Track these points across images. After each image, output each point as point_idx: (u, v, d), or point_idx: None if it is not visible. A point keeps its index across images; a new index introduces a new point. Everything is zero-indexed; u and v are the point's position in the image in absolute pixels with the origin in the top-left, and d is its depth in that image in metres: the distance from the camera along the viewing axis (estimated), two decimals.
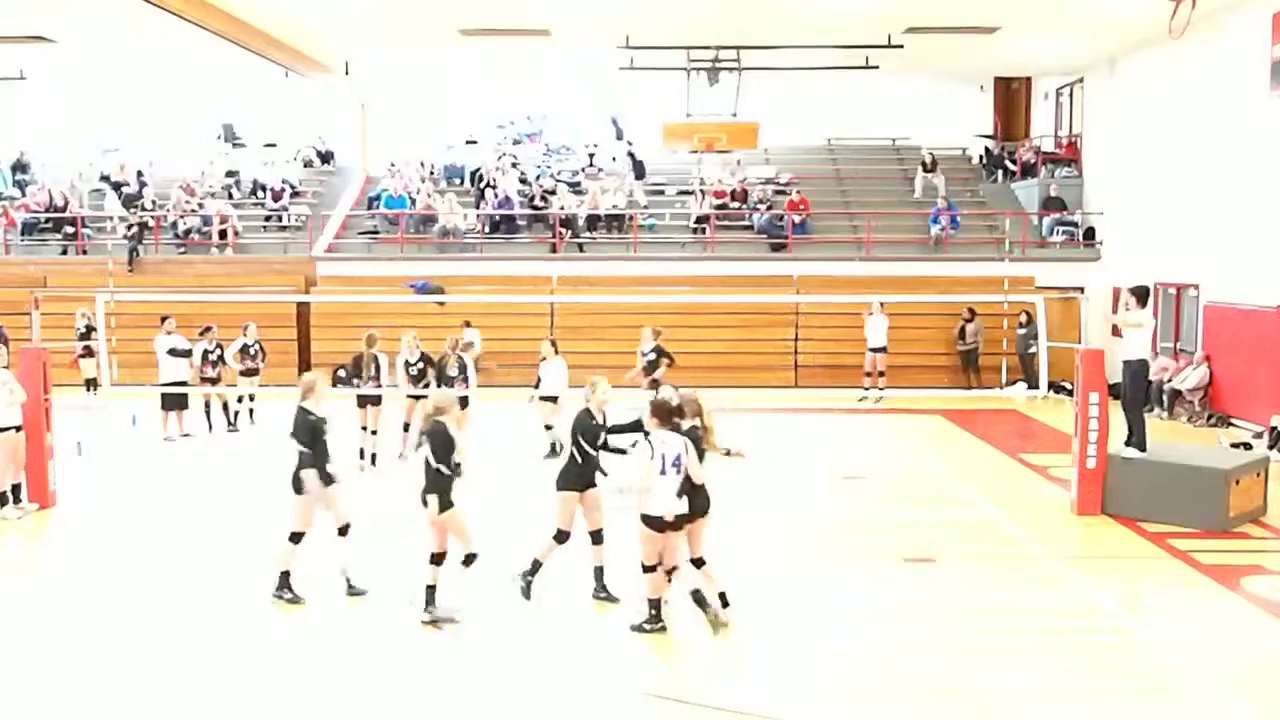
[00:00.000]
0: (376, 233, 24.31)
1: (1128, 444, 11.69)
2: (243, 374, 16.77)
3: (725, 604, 8.16)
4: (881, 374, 19.83)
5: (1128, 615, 8.82)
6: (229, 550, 10.37)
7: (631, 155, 26.20)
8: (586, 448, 8.51)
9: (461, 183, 25.92)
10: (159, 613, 8.63)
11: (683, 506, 7.82)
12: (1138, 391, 11.91)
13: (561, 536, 8.64)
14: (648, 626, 7.99)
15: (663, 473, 7.75)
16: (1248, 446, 14.69)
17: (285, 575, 8.75)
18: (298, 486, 8.61)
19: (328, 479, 8.70)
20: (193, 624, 8.37)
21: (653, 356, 14.96)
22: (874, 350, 19.83)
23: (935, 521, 11.33)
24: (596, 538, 8.72)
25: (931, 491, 13.00)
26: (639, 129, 26.56)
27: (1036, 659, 7.62)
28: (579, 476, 8.60)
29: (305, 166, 27.46)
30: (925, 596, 8.88)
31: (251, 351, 16.79)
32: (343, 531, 8.91)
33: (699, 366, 19.58)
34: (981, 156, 26.86)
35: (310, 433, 8.60)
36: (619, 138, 27.00)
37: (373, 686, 7.20)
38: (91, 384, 18.62)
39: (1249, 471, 11.45)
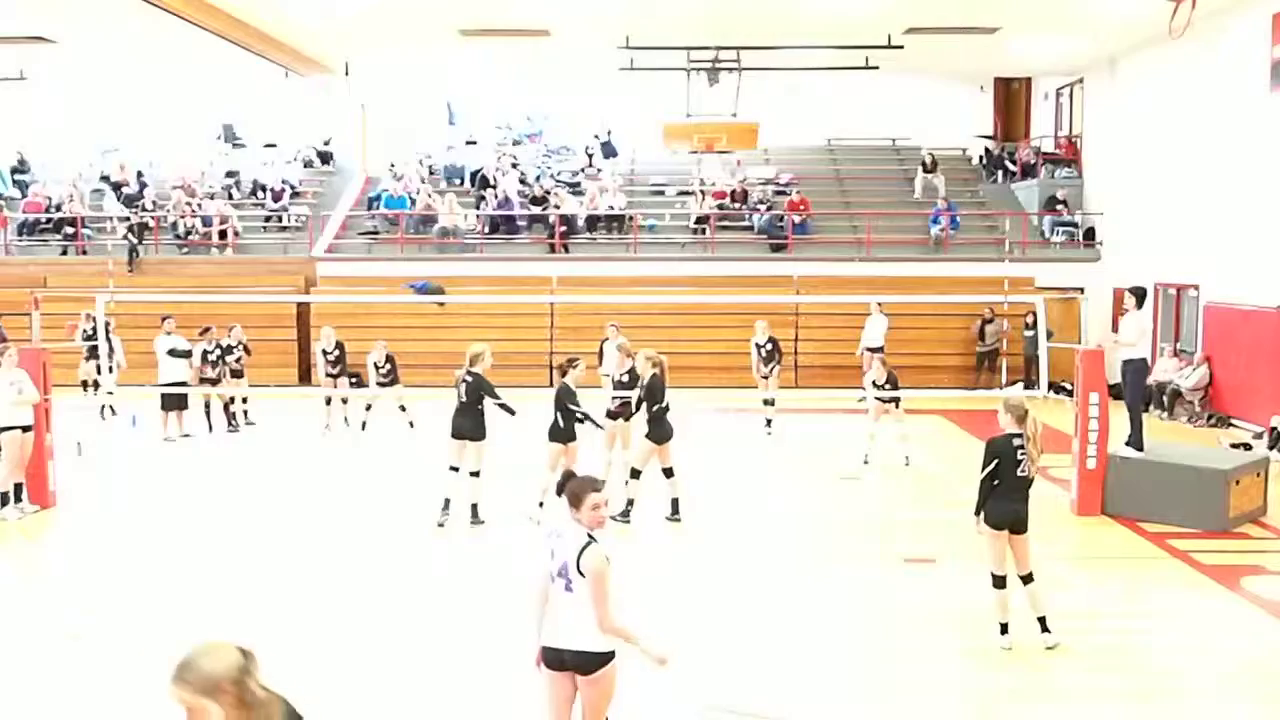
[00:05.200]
0: (376, 233, 24.30)
1: (1127, 444, 11.70)
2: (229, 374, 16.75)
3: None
4: None
5: (1127, 615, 8.81)
6: (230, 550, 10.38)
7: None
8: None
9: (461, 183, 25.93)
10: (159, 612, 8.62)
11: None
12: (1136, 391, 11.94)
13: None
14: None
15: None
16: (1247, 447, 14.70)
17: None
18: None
19: None
20: (193, 624, 8.35)
21: (769, 347, 16.75)
22: (870, 350, 19.80)
23: (935, 521, 11.31)
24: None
25: (931, 491, 12.99)
26: (638, 130, 26.56)
27: (1037, 659, 7.62)
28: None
29: (305, 167, 27.46)
30: (926, 596, 8.88)
31: (235, 352, 16.74)
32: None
33: (699, 366, 19.68)
34: (981, 157, 26.85)
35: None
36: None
37: (367, 685, 7.20)
38: (91, 384, 18.61)
39: (1249, 472, 11.45)
